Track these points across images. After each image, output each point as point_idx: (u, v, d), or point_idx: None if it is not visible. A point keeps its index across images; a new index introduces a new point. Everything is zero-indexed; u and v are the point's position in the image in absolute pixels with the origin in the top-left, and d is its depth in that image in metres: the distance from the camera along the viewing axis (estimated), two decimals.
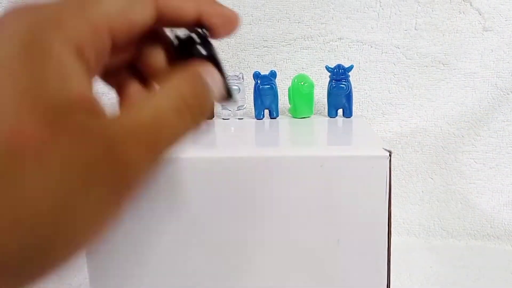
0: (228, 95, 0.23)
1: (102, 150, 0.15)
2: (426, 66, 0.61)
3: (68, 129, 0.15)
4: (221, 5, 0.22)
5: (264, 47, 0.62)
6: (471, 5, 0.59)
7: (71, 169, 0.14)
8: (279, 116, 0.54)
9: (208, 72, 0.21)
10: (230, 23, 0.22)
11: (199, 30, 0.22)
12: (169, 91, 0.18)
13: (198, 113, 0.19)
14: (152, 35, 0.22)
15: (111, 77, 0.23)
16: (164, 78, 0.19)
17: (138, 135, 0.16)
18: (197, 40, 0.22)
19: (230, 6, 0.22)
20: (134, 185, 0.17)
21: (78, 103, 0.15)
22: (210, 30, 0.22)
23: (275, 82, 0.52)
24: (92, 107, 0.16)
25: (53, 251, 0.15)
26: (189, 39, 0.22)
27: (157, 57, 0.22)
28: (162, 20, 0.20)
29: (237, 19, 0.22)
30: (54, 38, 0.16)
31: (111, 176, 0.15)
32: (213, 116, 0.54)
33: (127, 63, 0.22)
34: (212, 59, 0.22)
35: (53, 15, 0.16)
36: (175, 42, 0.22)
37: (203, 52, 0.22)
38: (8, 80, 0.14)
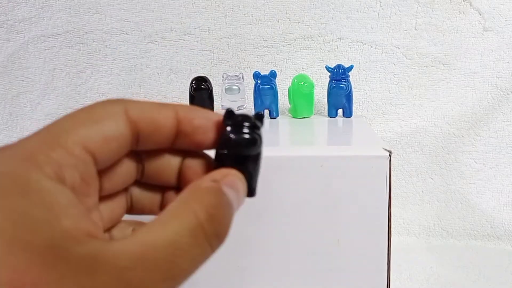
0: (249, 194, 0.21)
1: (114, 282, 0.14)
2: (426, 66, 0.61)
3: (70, 267, 0.14)
4: (201, 109, 0.20)
5: (264, 47, 0.62)
6: (471, 5, 0.59)
7: None
8: (279, 116, 0.54)
9: (233, 184, 0.19)
10: (215, 126, 0.20)
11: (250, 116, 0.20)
12: (184, 213, 0.17)
13: (215, 239, 0.18)
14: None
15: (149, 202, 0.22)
16: (183, 194, 0.18)
17: (152, 264, 0.15)
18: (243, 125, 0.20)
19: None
20: None
21: (73, 235, 0.14)
22: (191, 137, 0.20)
23: (275, 82, 0.52)
24: (89, 236, 0.15)
25: None
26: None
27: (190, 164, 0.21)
28: (142, 132, 0.19)
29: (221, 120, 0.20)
30: (29, 169, 0.15)
31: None
32: None
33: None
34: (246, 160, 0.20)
35: (22, 149, 0.16)
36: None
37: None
38: None
